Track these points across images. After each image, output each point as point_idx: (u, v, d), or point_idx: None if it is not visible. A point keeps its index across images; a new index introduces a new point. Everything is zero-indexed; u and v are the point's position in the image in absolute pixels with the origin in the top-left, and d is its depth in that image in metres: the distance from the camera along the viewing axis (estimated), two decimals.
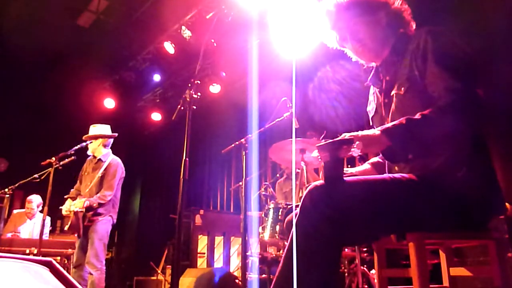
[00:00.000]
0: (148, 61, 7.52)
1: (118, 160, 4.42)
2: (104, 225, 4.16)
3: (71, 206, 4.08)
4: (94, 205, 4.08)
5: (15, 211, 5.64)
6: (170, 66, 7.51)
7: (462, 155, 1.47)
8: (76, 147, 4.27)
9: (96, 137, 4.37)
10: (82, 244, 4.14)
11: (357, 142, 1.38)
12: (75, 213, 4.02)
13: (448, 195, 1.42)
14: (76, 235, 4.17)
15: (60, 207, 4.22)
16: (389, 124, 1.48)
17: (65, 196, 4.30)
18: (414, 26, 1.72)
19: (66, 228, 4.18)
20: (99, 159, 4.38)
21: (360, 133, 1.46)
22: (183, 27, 6.15)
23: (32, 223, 5.64)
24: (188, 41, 6.23)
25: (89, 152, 4.44)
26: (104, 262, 4.06)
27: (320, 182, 1.41)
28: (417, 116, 1.44)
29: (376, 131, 1.47)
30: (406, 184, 1.47)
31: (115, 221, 4.32)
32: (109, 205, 4.23)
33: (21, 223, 5.57)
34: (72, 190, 4.45)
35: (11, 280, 1.05)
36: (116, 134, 4.49)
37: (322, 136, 2.80)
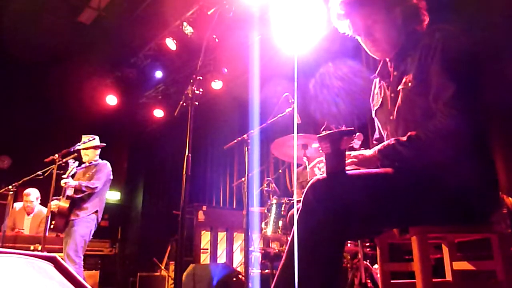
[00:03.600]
0: (150, 58, 7.51)
1: (107, 162, 4.70)
2: (87, 223, 4.32)
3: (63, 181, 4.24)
4: (83, 185, 4.28)
5: (15, 204, 5.54)
6: (172, 62, 7.50)
7: (463, 148, 1.47)
8: (79, 144, 4.32)
9: (95, 147, 4.65)
10: (66, 241, 4.25)
11: (358, 133, 1.40)
12: (64, 195, 4.23)
13: (449, 188, 1.42)
14: (59, 234, 4.41)
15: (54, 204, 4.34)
16: (380, 146, 1.56)
17: (52, 197, 4.36)
18: (427, 21, 1.69)
19: (51, 226, 4.32)
20: (91, 163, 4.66)
21: (354, 153, 1.56)
22: (185, 23, 6.14)
23: (30, 217, 5.63)
24: (189, 37, 6.21)
25: (85, 159, 4.68)
26: (82, 257, 4.21)
27: (323, 176, 1.41)
28: (405, 138, 1.50)
29: (370, 151, 1.56)
30: (408, 177, 1.47)
31: (100, 219, 4.47)
32: (95, 200, 4.42)
33: (20, 219, 5.55)
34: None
35: (15, 276, 1.06)
36: (105, 144, 4.79)
37: (323, 128, 2.80)
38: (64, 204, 4.23)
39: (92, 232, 4.39)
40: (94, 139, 4.66)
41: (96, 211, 4.41)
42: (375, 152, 1.56)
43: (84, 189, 4.30)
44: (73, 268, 3.94)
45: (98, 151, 4.75)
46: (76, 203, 4.32)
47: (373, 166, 1.56)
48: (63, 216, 4.23)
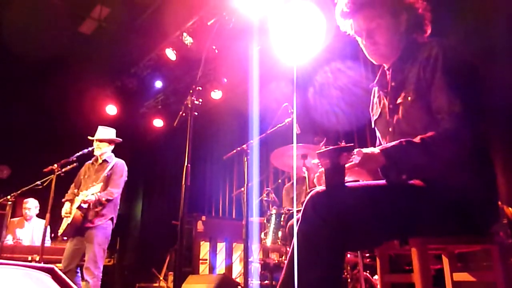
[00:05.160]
0: (150, 68, 7.54)
1: (123, 162, 4.40)
2: (104, 230, 4.07)
3: (77, 200, 4.00)
4: (103, 199, 4.01)
5: (12, 219, 5.48)
6: (171, 72, 7.53)
7: (463, 159, 1.47)
8: (78, 154, 4.27)
9: (110, 141, 4.40)
10: (75, 248, 3.99)
11: (357, 150, 1.39)
12: (79, 207, 3.95)
13: (449, 199, 1.42)
14: (66, 238, 4.12)
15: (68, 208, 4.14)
16: (389, 144, 1.50)
17: (63, 200, 4.24)
18: (428, 33, 1.69)
19: (60, 232, 4.10)
20: (104, 160, 4.34)
21: (358, 149, 1.48)
22: (185, 34, 6.17)
23: (30, 228, 5.61)
24: (189, 48, 6.24)
25: (97, 153, 4.35)
26: (101, 269, 3.94)
27: (322, 188, 1.41)
28: (417, 139, 1.44)
29: (375, 149, 1.48)
30: (408, 188, 1.46)
31: (114, 224, 4.23)
32: (111, 206, 4.15)
33: (21, 227, 5.57)
34: (67, 193, 4.34)
35: (13, 287, 1.05)
36: (121, 140, 4.53)
37: (323, 143, 2.80)
38: (79, 214, 3.97)
39: (109, 238, 4.13)
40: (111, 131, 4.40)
41: (112, 218, 4.16)
42: (380, 150, 1.47)
43: (104, 201, 4.04)
44: (91, 281, 3.71)
45: (112, 147, 4.45)
46: (91, 210, 4.03)
47: (376, 165, 1.48)
48: (76, 224, 3.96)
